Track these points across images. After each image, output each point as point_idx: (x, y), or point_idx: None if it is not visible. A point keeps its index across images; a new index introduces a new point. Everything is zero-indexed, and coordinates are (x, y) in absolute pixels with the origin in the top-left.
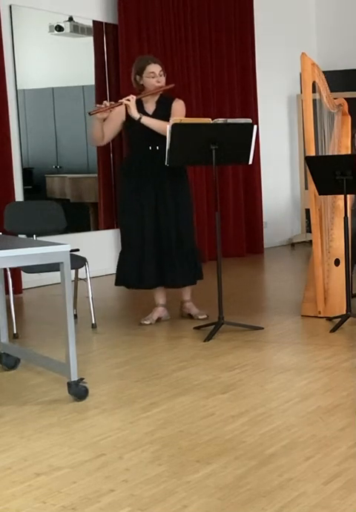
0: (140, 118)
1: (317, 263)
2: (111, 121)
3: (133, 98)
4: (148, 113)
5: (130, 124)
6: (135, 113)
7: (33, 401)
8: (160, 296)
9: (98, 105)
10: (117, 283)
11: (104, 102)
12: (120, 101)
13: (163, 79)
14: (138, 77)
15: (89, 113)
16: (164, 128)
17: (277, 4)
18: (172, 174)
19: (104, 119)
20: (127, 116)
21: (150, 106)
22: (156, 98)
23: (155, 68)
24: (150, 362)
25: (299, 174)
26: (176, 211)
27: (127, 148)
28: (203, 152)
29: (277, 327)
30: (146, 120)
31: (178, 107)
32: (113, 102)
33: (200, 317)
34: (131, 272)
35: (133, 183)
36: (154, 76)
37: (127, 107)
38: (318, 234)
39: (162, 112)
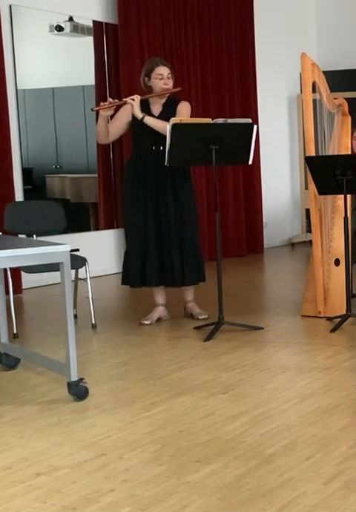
0: (143, 117)
1: (317, 263)
2: (116, 119)
3: (137, 97)
4: (154, 115)
5: (134, 123)
6: (138, 113)
7: (33, 401)
8: (160, 296)
9: (102, 103)
10: (123, 283)
11: (109, 99)
12: (124, 99)
13: (171, 82)
14: (146, 79)
15: (91, 109)
16: (166, 128)
17: (277, 4)
18: (175, 174)
19: (111, 117)
20: (133, 115)
21: (156, 108)
22: (163, 100)
23: (163, 70)
24: (150, 362)
25: (299, 174)
26: (178, 211)
27: (132, 147)
28: (203, 152)
29: (277, 327)
30: (149, 120)
31: (183, 109)
32: (116, 100)
33: (200, 317)
34: (134, 272)
35: (135, 183)
36: (162, 78)
37: (131, 105)
38: (318, 234)
39: (168, 114)
